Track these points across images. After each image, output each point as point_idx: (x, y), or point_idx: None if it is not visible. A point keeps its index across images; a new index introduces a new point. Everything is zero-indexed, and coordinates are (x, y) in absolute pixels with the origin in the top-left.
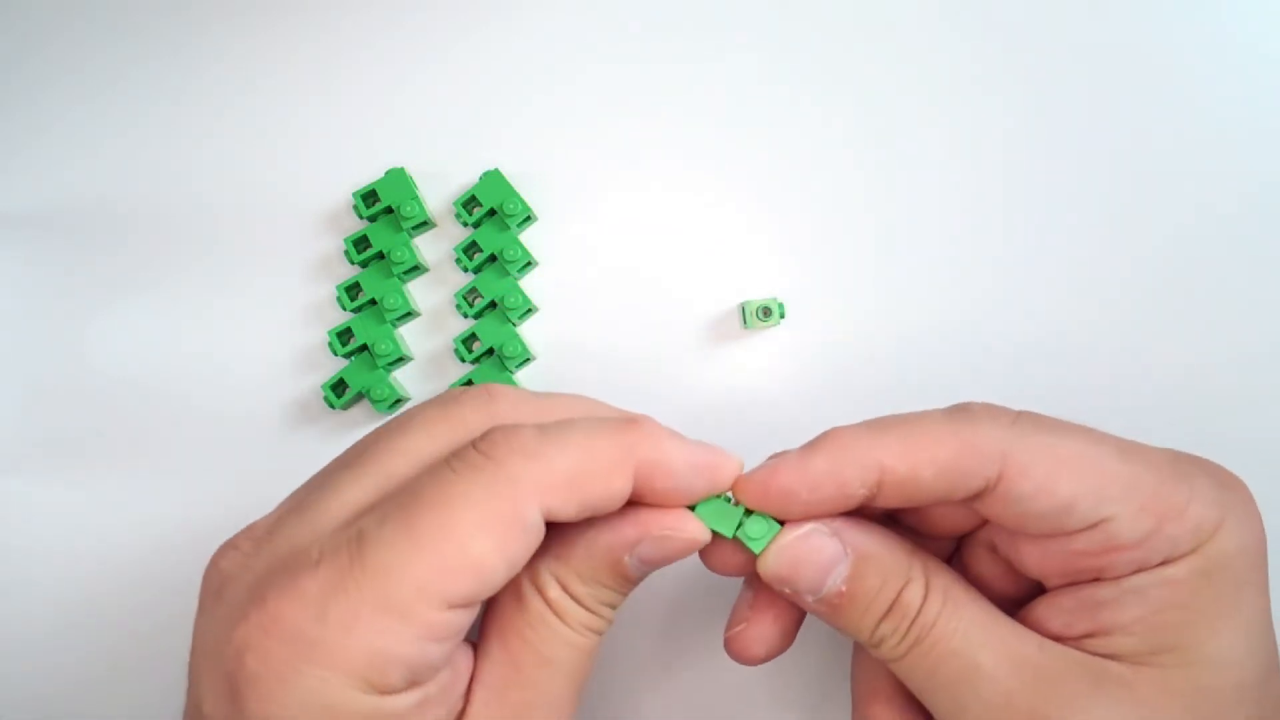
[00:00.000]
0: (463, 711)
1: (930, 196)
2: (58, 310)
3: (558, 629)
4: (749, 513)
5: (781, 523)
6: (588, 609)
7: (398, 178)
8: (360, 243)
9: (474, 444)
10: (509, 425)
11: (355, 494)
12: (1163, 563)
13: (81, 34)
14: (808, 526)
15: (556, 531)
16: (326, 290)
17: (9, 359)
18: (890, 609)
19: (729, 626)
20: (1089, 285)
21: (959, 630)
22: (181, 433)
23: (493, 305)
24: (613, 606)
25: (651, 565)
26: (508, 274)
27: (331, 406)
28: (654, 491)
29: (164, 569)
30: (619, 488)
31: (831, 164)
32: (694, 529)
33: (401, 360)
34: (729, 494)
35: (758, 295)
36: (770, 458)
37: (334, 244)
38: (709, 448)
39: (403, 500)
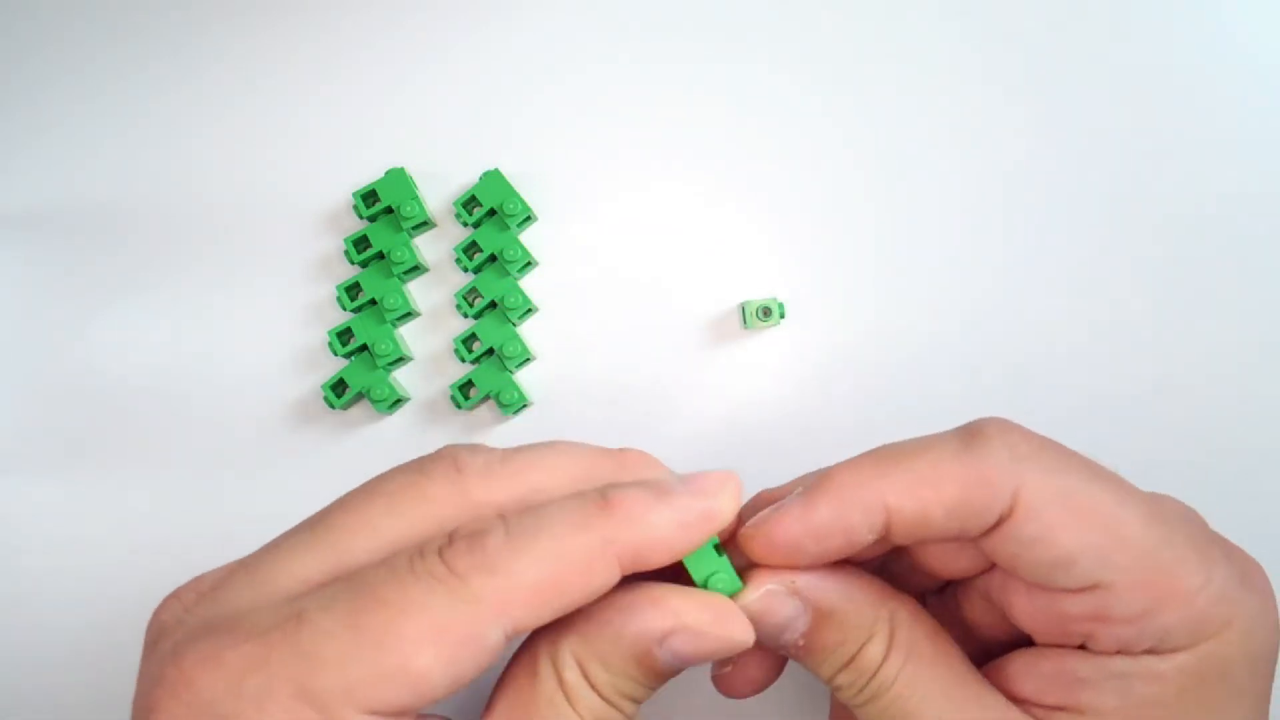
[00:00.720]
0: None
1: (931, 197)
2: (58, 310)
3: (567, 716)
4: (720, 549)
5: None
6: (605, 699)
7: (398, 178)
8: (360, 243)
9: (440, 550)
10: (475, 531)
11: (307, 566)
12: (1150, 650)
13: (81, 34)
14: (765, 587)
15: (587, 610)
16: (326, 290)
17: (9, 359)
18: (849, 663)
19: (715, 667)
20: (1091, 285)
21: (917, 692)
22: (181, 432)
23: (493, 305)
24: (635, 701)
25: (686, 662)
26: (508, 274)
27: (331, 406)
28: (648, 565)
29: (164, 569)
30: (600, 583)
31: (832, 163)
32: (737, 629)
33: (401, 360)
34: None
35: (758, 295)
36: (772, 509)
37: (334, 244)
38: (696, 492)
39: (354, 590)
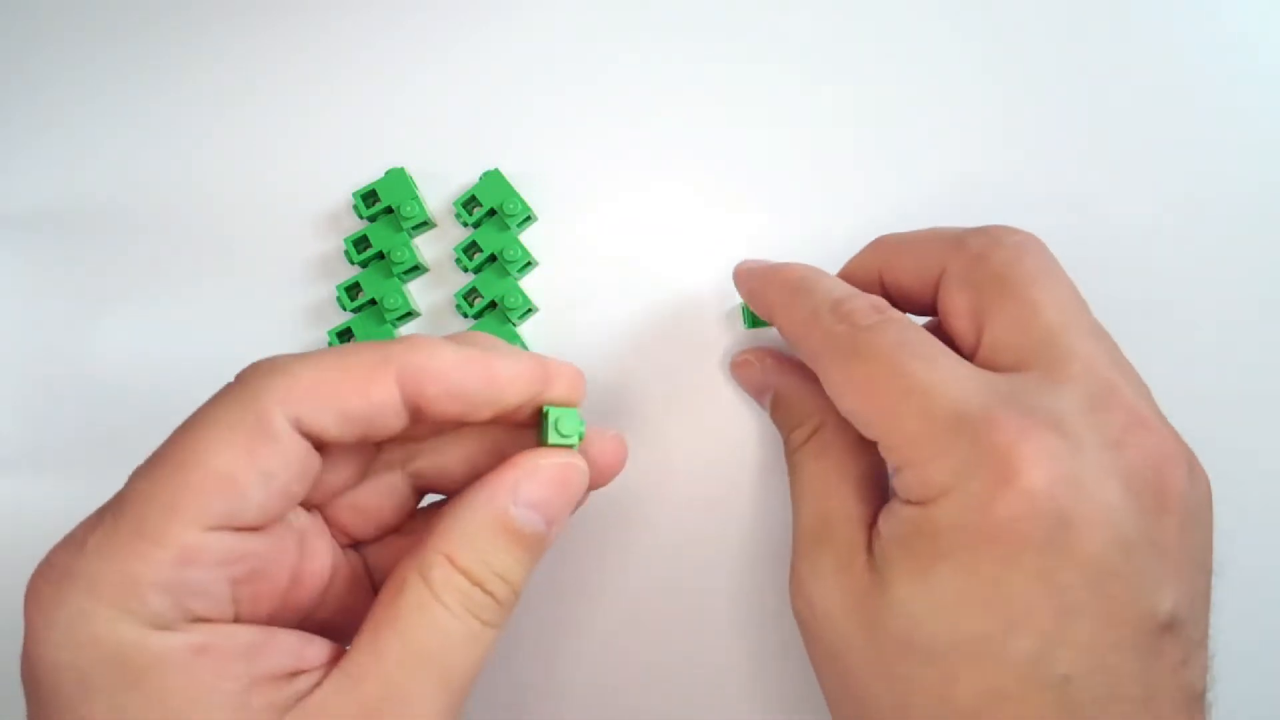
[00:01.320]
0: (306, 695)
1: (932, 197)
2: (58, 310)
3: (434, 615)
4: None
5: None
6: (476, 581)
7: (398, 178)
8: (360, 243)
9: (237, 374)
10: (273, 357)
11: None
12: (905, 500)
13: (82, 34)
14: (745, 356)
15: (445, 514)
16: (326, 290)
17: (9, 359)
18: (787, 435)
19: (737, 355)
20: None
21: (813, 476)
22: None
23: (493, 305)
24: (508, 581)
25: (546, 511)
26: (508, 274)
27: None
28: (430, 401)
29: None
30: (379, 396)
31: (833, 163)
32: (570, 458)
33: None
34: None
35: None
36: (756, 262)
37: (334, 244)
38: (491, 356)
39: (167, 440)
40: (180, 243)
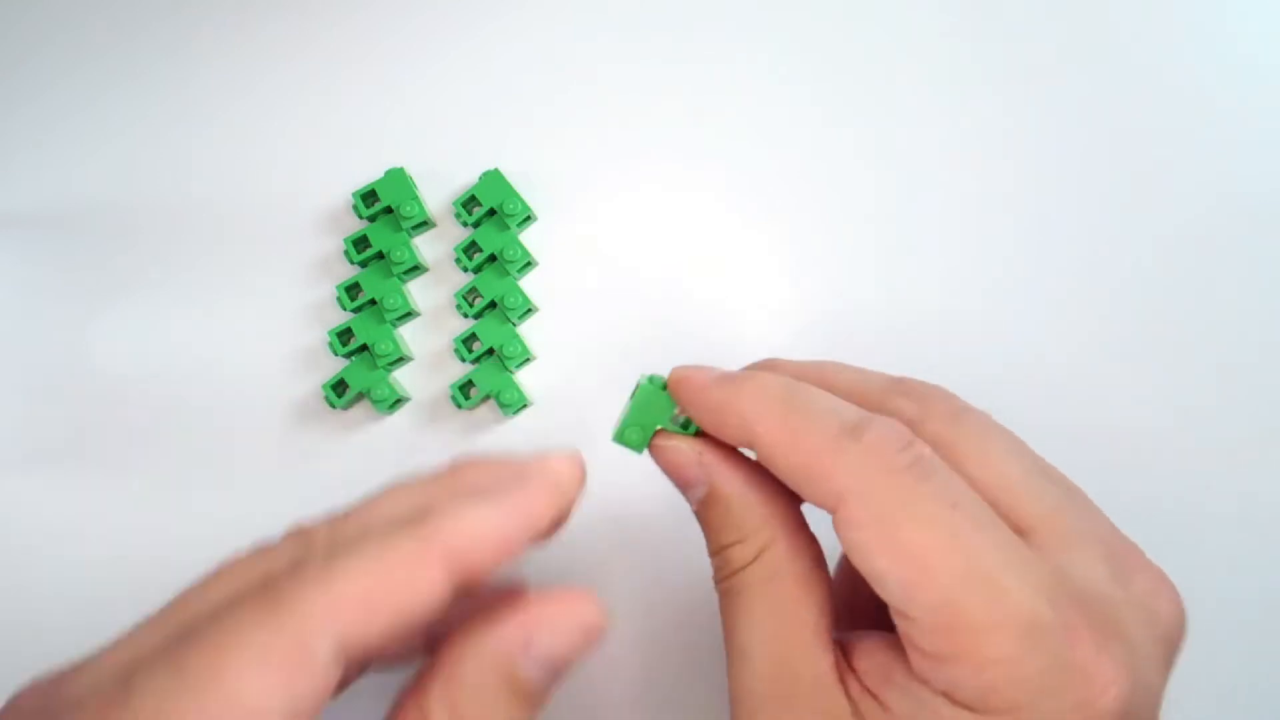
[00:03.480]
0: None
1: (936, 201)
2: (58, 310)
3: None
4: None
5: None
6: None
7: (398, 178)
8: (360, 243)
9: (262, 580)
10: (297, 558)
11: (141, 643)
12: (945, 694)
13: (82, 34)
14: (673, 442)
15: (445, 650)
16: (326, 290)
17: (9, 359)
18: (719, 550)
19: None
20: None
21: (755, 616)
22: (182, 433)
23: (493, 305)
24: None
25: (554, 667)
26: (508, 274)
27: (332, 406)
28: (479, 576)
29: (164, 569)
30: (429, 590)
31: (834, 162)
32: (588, 610)
33: (401, 360)
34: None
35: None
36: (701, 368)
37: (334, 244)
38: (525, 492)
39: (181, 641)
40: (180, 243)
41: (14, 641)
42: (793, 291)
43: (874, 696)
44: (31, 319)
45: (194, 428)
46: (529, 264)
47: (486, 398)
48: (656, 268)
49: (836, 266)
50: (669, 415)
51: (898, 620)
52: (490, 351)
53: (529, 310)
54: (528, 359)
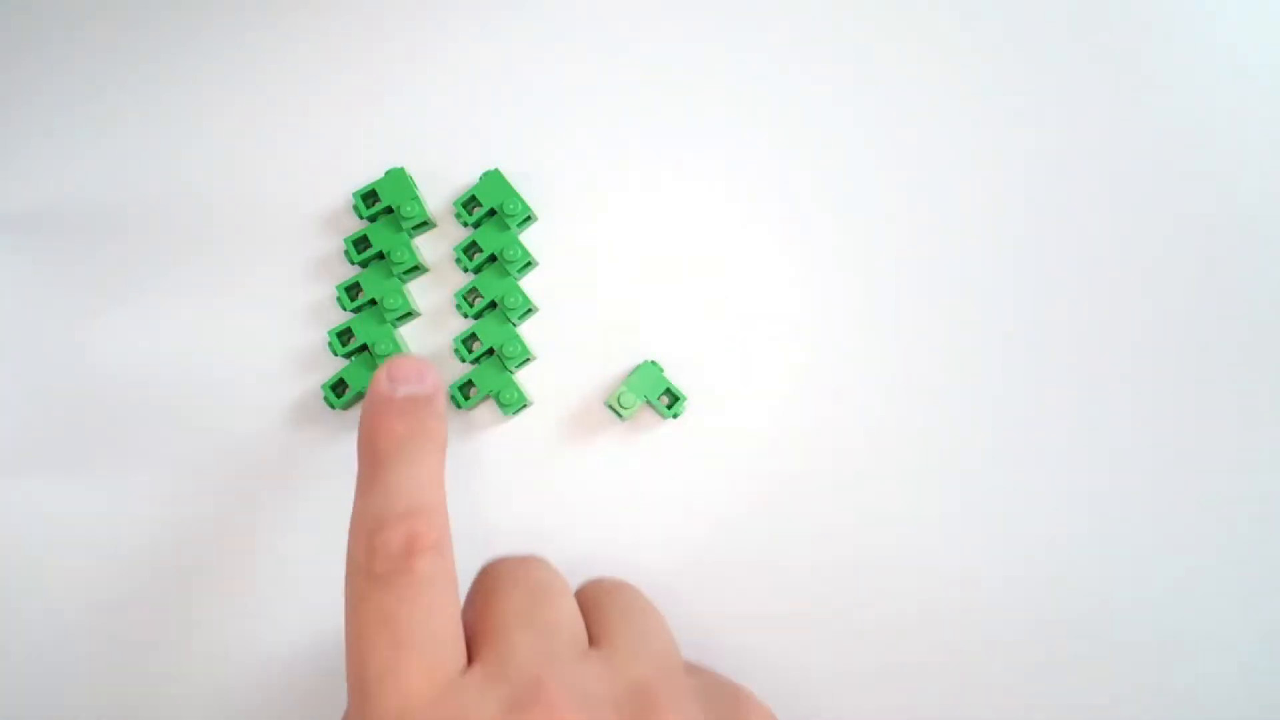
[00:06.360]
0: None
1: (952, 211)
2: (57, 310)
3: None
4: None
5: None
6: None
7: (398, 178)
8: (360, 243)
9: None
10: None
11: None
12: None
13: (80, 33)
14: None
15: None
16: (326, 290)
17: (8, 359)
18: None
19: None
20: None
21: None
22: (181, 433)
23: (493, 305)
24: None
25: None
26: (508, 274)
27: (331, 406)
28: None
29: (163, 569)
30: None
31: (838, 162)
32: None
33: None
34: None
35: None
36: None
37: (334, 244)
38: None
39: None
40: (180, 243)
41: (12, 641)
42: (793, 291)
43: None
44: (31, 319)
45: (193, 427)
46: (529, 264)
47: (486, 398)
48: (657, 268)
49: (837, 267)
50: (659, 391)
51: None
52: (490, 351)
53: (529, 310)
54: (528, 359)
